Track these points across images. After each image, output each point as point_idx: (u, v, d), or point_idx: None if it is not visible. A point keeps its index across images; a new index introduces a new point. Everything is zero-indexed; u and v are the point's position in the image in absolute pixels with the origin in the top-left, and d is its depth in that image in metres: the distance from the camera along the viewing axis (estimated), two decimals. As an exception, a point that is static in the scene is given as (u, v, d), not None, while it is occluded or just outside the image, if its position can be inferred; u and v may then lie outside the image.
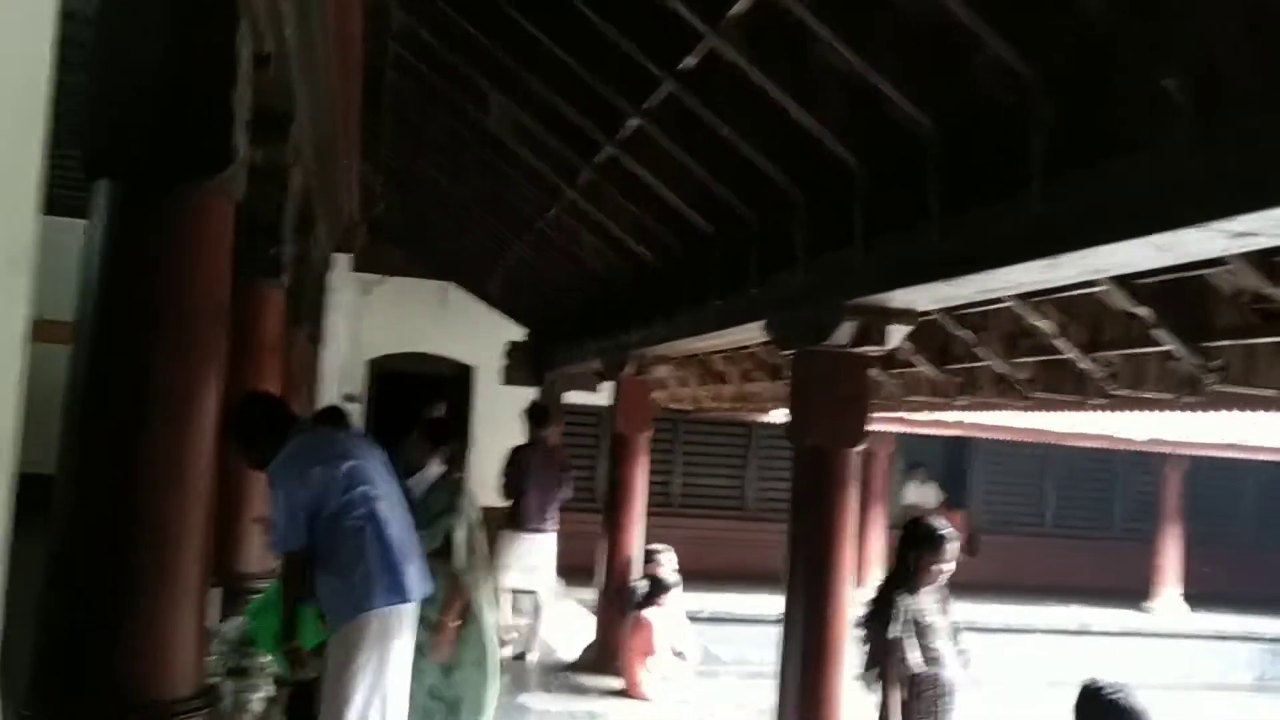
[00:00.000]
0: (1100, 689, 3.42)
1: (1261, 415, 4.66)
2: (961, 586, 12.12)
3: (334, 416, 5.68)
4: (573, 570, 11.34)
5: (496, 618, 4.75)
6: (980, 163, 3.53)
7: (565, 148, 6.42)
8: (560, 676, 8.29)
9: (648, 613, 7.73)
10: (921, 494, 14.09)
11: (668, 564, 8.37)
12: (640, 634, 7.68)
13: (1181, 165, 2.64)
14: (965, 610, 12.13)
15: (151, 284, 2.69)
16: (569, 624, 9.99)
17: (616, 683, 7.90)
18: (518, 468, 8.61)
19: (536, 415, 8.95)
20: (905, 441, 13.55)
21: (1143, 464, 13.24)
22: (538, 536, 8.53)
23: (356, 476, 3.87)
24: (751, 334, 5.89)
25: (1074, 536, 14.56)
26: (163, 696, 2.65)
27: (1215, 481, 13.53)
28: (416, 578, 3.94)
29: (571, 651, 8.84)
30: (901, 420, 10.93)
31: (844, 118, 4.23)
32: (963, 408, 6.20)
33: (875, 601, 4.98)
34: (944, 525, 4.87)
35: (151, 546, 2.66)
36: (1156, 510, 13.37)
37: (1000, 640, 12.40)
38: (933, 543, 4.74)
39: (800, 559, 4.94)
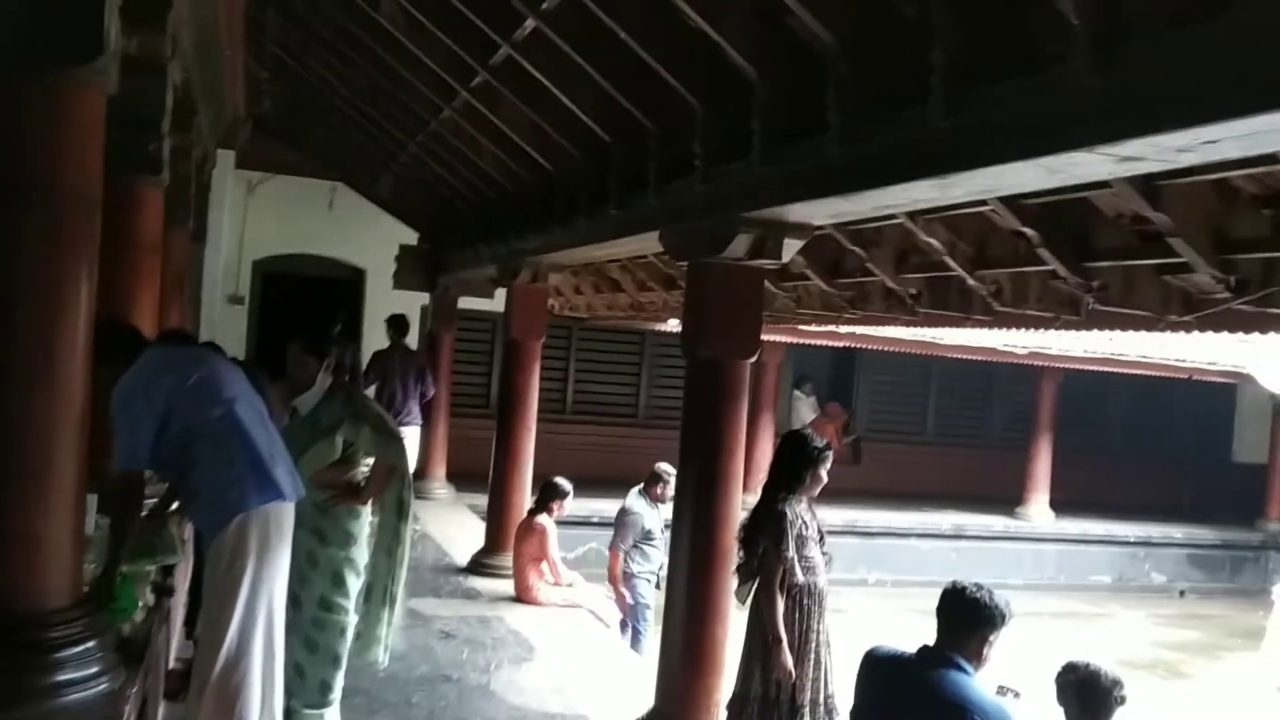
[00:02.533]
0: (963, 589, 3.56)
1: (1136, 335, 4.84)
2: (847, 493, 12.49)
3: (183, 336, 5.46)
4: (465, 476, 11.37)
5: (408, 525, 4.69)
6: (881, 78, 3.53)
7: (459, 46, 6.23)
8: (451, 581, 8.34)
9: (541, 518, 7.78)
10: (806, 406, 14.41)
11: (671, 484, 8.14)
12: (533, 539, 7.74)
13: (1075, 90, 2.67)
14: (850, 515, 12.54)
15: (19, 169, 2.59)
16: (461, 529, 10.03)
17: (508, 587, 7.97)
18: (378, 370, 9.88)
19: (397, 324, 10.43)
20: (794, 353, 13.78)
21: (1020, 376, 13.72)
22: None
23: (210, 382, 3.76)
24: (649, 244, 5.88)
25: (953, 445, 15.09)
26: (36, 608, 2.58)
27: (1086, 394, 14.11)
28: (288, 479, 3.85)
29: (463, 556, 8.89)
30: (792, 332, 11.12)
31: (746, 28, 4.17)
32: (853, 321, 6.31)
33: (760, 513, 5.08)
34: (821, 438, 4.97)
35: (19, 444, 2.56)
36: (1031, 421, 13.91)
37: (882, 543, 12.91)
38: (812, 455, 4.84)
39: (692, 468, 5.02)
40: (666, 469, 7.90)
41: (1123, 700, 3.77)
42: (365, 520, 4.70)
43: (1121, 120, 2.54)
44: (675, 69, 4.73)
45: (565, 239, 6.91)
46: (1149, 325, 4.04)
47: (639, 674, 6.17)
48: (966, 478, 14.58)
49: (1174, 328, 3.92)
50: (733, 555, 4.96)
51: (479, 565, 8.57)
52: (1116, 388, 14.11)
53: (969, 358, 12.19)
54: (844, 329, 9.99)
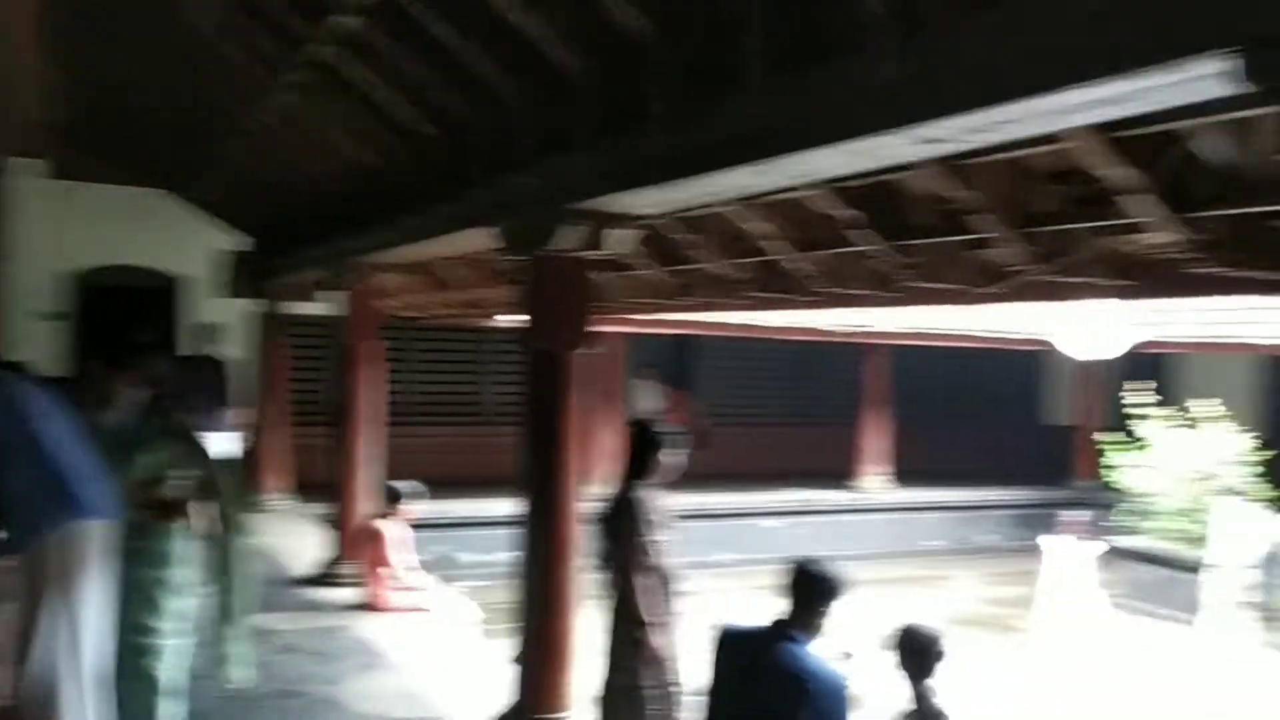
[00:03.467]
0: (805, 565, 3.73)
1: (949, 308, 5.07)
2: (693, 477, 12.67)
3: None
4: (309, 486, 11.08)
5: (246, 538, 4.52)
6: (699, 66, 3.60)
7: (272, 43, 6.05)
8: (295, 593, 8.12)
9: (380, 523, 7.65)
10: (651, 393, 14.56)
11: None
12: (375, 545, 7.61)
13: (878, 75, 2.79)
14: (697, 499, 12.72)
15: None
16: (305, 540, 9.77)
17: (355, 595, 7.82)
18: (186, 380, 9.66)
19: (203, 333, 11.14)
20: (636, 342, 13.91)
21: (851, 355, 14.20)
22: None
23: (9, 403, 3.57)
24: (480, 239, 5.83)
25: (792, 424, 15.53)
26: None
27: (912, 369, 14.71)
28: (99, 497, 3.67)
29: (306, 568, 8.66)
30: (631, 321, 11.23)
31: (564, 19, 4.19)
32: (685, 308, 6.42)
33: (619, 500, 5.13)
34: (672, 425, 5.07)
35: None
36: (862, 396, 14.43)
37: (730, 525, 13.17)
38: (665, 442, 4.92)
39: (533, 462, 5.02)
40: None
41: (940, 655, 3.97)
42: (182, 539, 4.51)
43: (922, 103, 2.66)
44: (495, 62, 4.72)
45: (394, 238, 6.80)
46: (960, 298, 4.24)
47: (494, 672, 6.15)
48: (806, 455, 15.03)
49: (982, 300, 4.14)
50: (579, 546, 5.00)
51: (324, 576, 8.37)
52: (938, 361, 14.73)
53: (801, 339, 12.55)
54: (680, 316, 10.20)
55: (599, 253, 4.77)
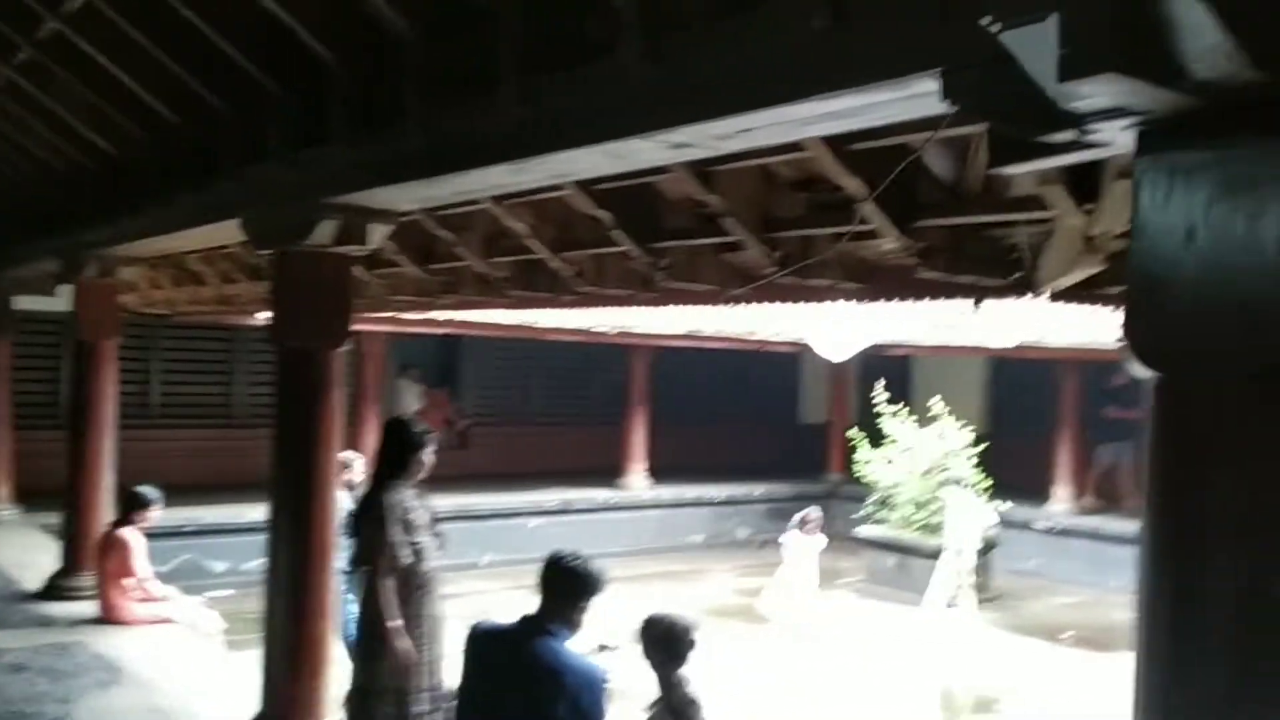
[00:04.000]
0: (560, 559, 3.76)
1: (705, 309, 5.26)
2: (457, 478, 12.52)
3: None
4: (36, 494, 10.27)
5: None
6: (458, 64, 3.59)
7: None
8: (22, 609, 7.53)
9: (124, 531, 7.20)
10: (412, 393, 14.34)
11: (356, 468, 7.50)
12: (116, 554, 7.15)
13: (631, 79, 2.87)
14: (460, 500, 12.59)
15: None
16: (32, 552, 9.07)
17: (91, 608, 7.32)
18: None
19: None
20: (398, 342, 13.65)
21: (616, 355, 14.44)
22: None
23: None
24: (227, 232, 5.59)
25: (558, 424, 15.64)
26: None
27: (675, 368, 15.11)
28: None
29: (36, 581, 8.04)
30: (393, 320, 11.01)
31: (318, 11, 4.09)
32: (448, 306, 6.37)
33: (366, 500, 5.04)
34: (423, 424, 5.03)
35: None
36: (627, 396, 14.70)
37: (493, 525, 13.11)
38: (415, 440, 4.89)
39: (285, 464, 4.86)
40: (351, 455, 7.61)
41: (693, 644, 4.10)
42: None
43: (671, 109, 2.76)
44: (246, 50, 4.54)
45: (135, 229, 6.42)
46: (711, 299, 4.41)
47: (241, 683, 5.90)
48: (571, 454, 15.18)
49: (732, 301, 4.32)
50: (334, 549, 4.89)
51: (55, 589, 7.79)
52: (701, 361, 15.20)
53: (566, 339, 12.66)
54: (444, 315, 10.09)
55: (359, 248, 4.67)
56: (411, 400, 14.43)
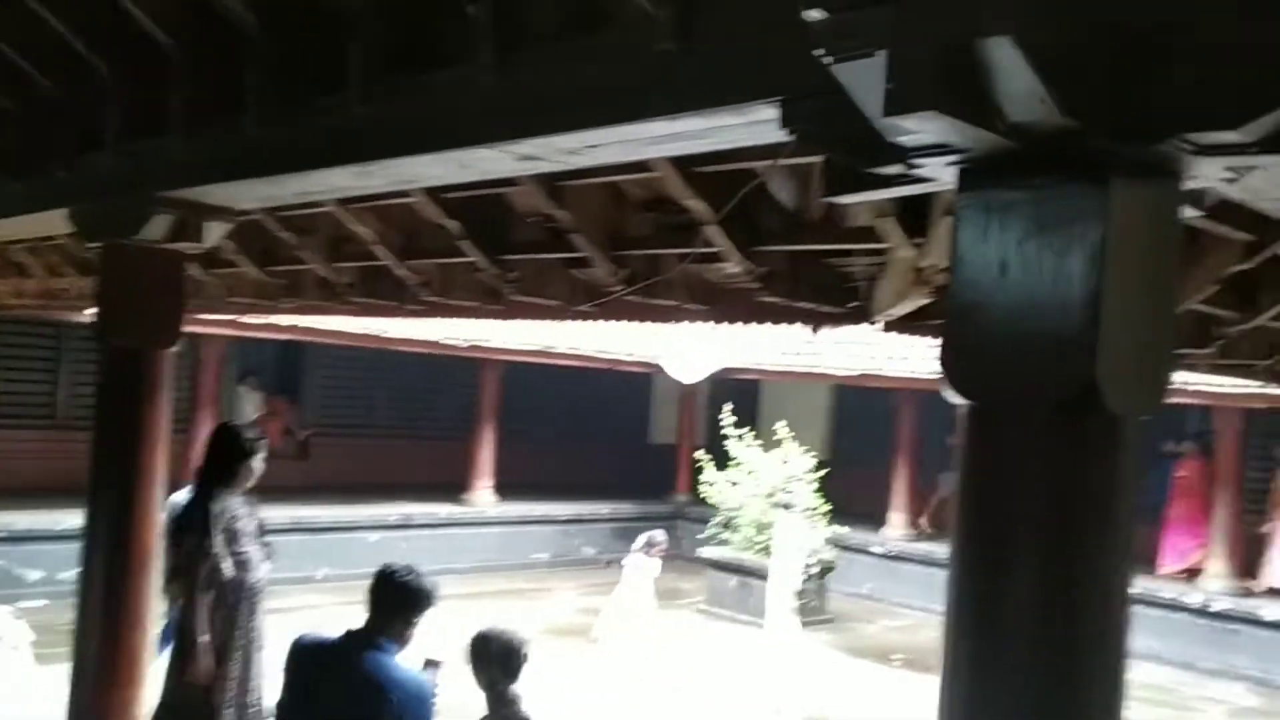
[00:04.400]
0: (392, 572, 3.69)
1: (555, 324, 5.26)
2: (296, 489, 12.19)
3: None
4: None
5: None
6: (304, 61, 3.49)
7: None
8: None
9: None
10: (252, 401, 13.90)
11: None
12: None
13: (480, 89, 2.85)
14: (297, 512, 12.25)
15: None
16: None
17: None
18: None
19: None
20: (238, 346, 13.21)
21: (466, 368, 14.29)
22: None
23: None
24: (56, 223, 5.31)
25: (404, 436, 15.36)
26: None
27: (526, 384, 15.03)
28: None
29: None
30: (234, 324, 10.62)
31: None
32: (289, 310, 6.19)
33: (189, 508, 4.85)
34: (254, 429, 4.88)
35: None
36: (476, 410, 14.54)
37: (331, 538, 12.77)
38: (245, 447, 4.73)
39: (106, 467, 4.63)
40: None
41: (526, 660, 4.06)
42: None
43: (519, 121, 2.75)
44: (81, 31, 4.33)
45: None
46: (559, 314, 4.41)
47: (49, 696, 5.57)
48: (417, 467, 14.93)
49: (579, 316, 4.32)
50: (154, 558, 4.67)
51: None
52: (553, 378, 15.16)
53: (416, 350, 12.46)
54: (287, 321, 9.79)
55: (193, 246, 4.50)
56: (251, 407, 13.97)
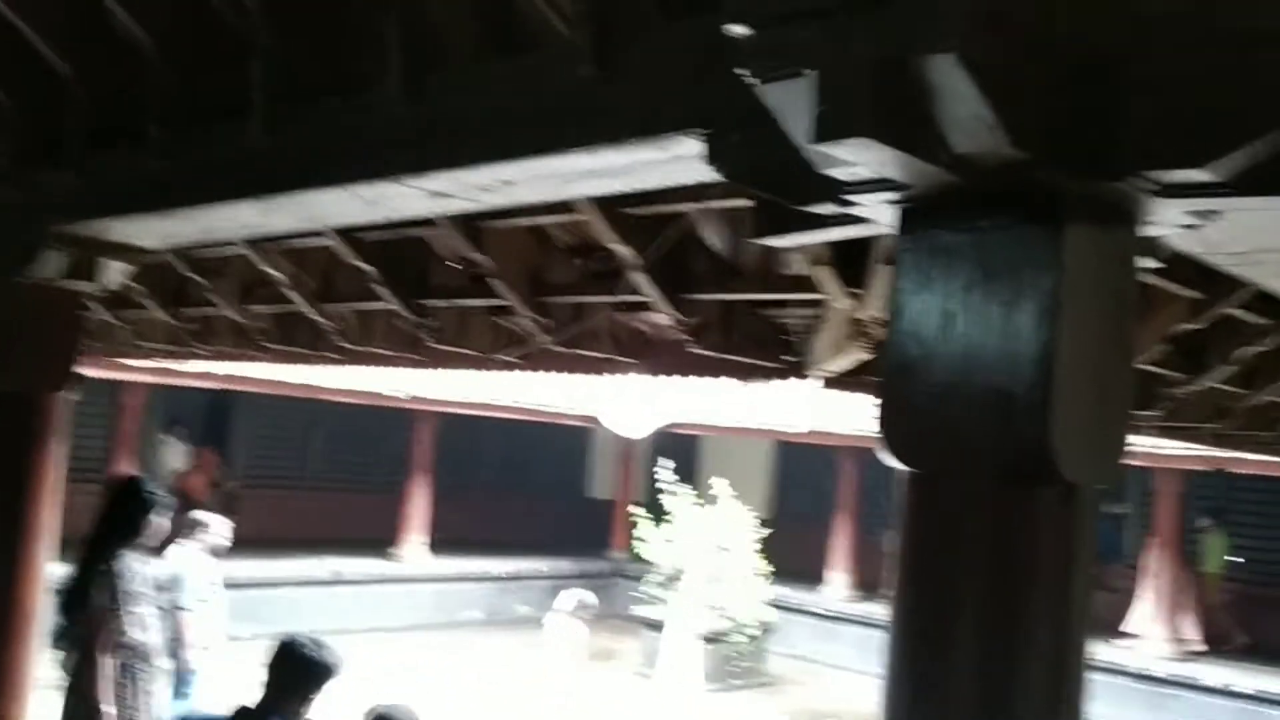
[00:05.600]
0: (291, 644, 3.39)
1: (483, 374, 5.00)
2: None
3: None
4: None
5: None
6: (206, 88, 3.27)
7: None
8: None
9: None
10: (177, 451, 13.43)
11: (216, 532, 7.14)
12: None
13: (389, 116, 2.64)
14: (223, 566, 11.77)
15: None
16: None
17: None
18: None
19: None
20: (163, 393, 12.76)
21: (401, 420, 13.94)
22: None
23: None
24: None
25: (336, 490, 14.93)
26: None
27: (462, 437, 14.69)
28: None
29: None
30: (157, 371, 10.22)
31: (59, 20, 3.69)
32: (203, 357, 5.89)
33: (89, 568, 4.52)
34: (158, 483, 4.58)
35: None
36: (409, 463, 14.16)
37: (257, 595, 12.27)
38: (146, 502, 4.43)
39: (-14, 521, 4.28)
40: (209, 516, 7.44)
41: None
42: None
43: (428, 151, 2.54)
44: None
45: None
46: (481, 364, 4.17)
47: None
48: (348, 522, 14.47)
49: (502, 366, 4.09)
50: (36, 622, 4.32)
51: None
52: (490, 431, 14.86)
53: (349, 400, 12.12)
54: (217, 369, 9.44)
55: (90, 284, 4.21)
56: (176, 458, 13.49)
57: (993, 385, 1.64)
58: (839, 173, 1.66)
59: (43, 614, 4.38)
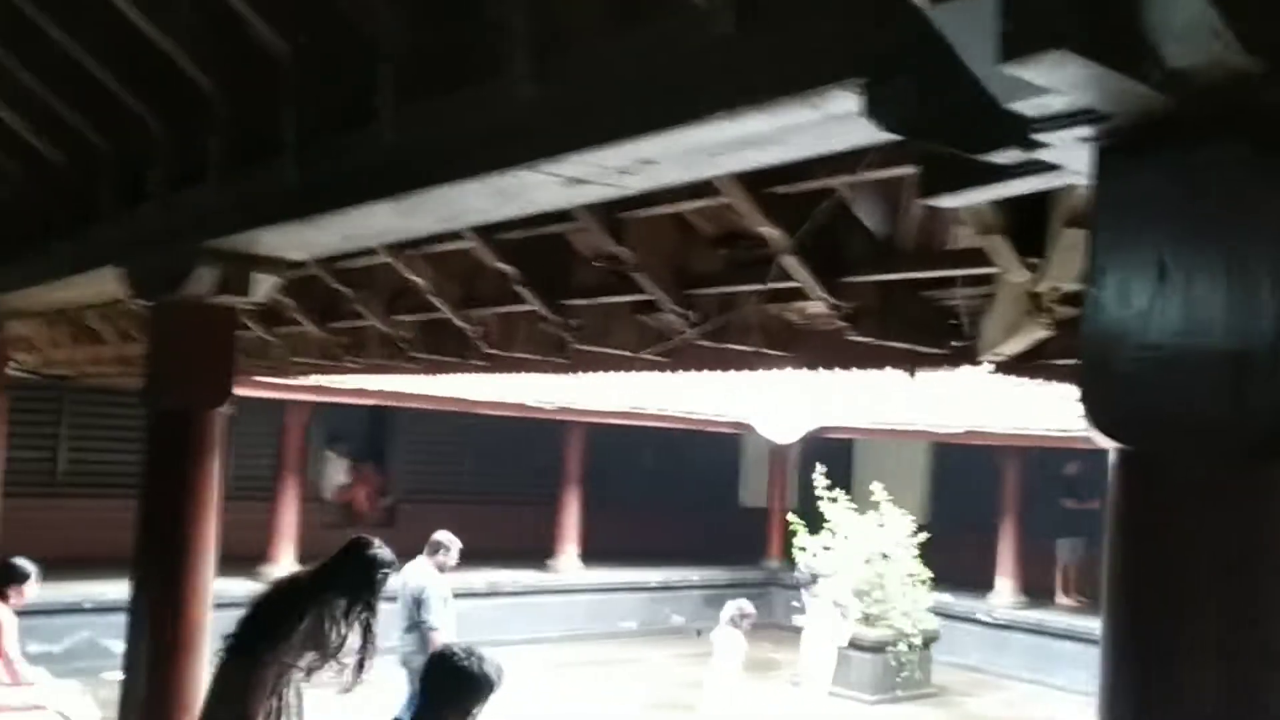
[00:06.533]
0: (451, 656, 3.29)
1: (627, 376, 4.87)
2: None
3: None
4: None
5: None
6: (338, 91, 3.23)
7: None
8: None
9: (-7, 609, 6.57)
10: (339, 468, 13.80)
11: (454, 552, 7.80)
12: (-20, 635, 6.52)
13: (518, 101, 2.52)
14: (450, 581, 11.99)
15: None
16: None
17: (-50, 694, 6.65)
18: None
19: None
20: (324, 411, 13.11)
21: (552, 431, 13.99)
22: None
23: None
24: (111, 283, 5.14)
25: (490, 502, 15.06)
26: None
27: (612, 447, 14.65)
28: None
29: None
30: (317, 389, 10.50)
31: (200, 36, 3.71)
32: (355, 370, 5.94)
33: (289, 599, 4.29)
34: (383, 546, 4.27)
35: None
36: (561, 474, 14.18)
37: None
38: (373, 562, 4.20)
39: (151, 538, 4.36)
40: (448, 537, 7.84)
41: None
42: None
43: (559, 133, 2.40)
44: (126, 80, 4.14)
45: (16, 279, 5.93)
46: (626, 364, 4.02)
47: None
48: (502, 533, 14.58)
49: (646, 366, 3.93)
50: (204, 635, 4.35)
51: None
52: (640, 440, 14.78)
53: (502, 414, 12.22)
54: (375, 384, 9.63)
55: (242, 300, 4.24)
56: (339, 474, 13.87)
57: (1221, 347, 1.39)
58: (1026, 106, 1.43)
59: (211, 628, 4.42)
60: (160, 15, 3.64)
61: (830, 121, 1.96)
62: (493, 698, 3.36)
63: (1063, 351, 2.76)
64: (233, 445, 13.52)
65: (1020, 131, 1.51)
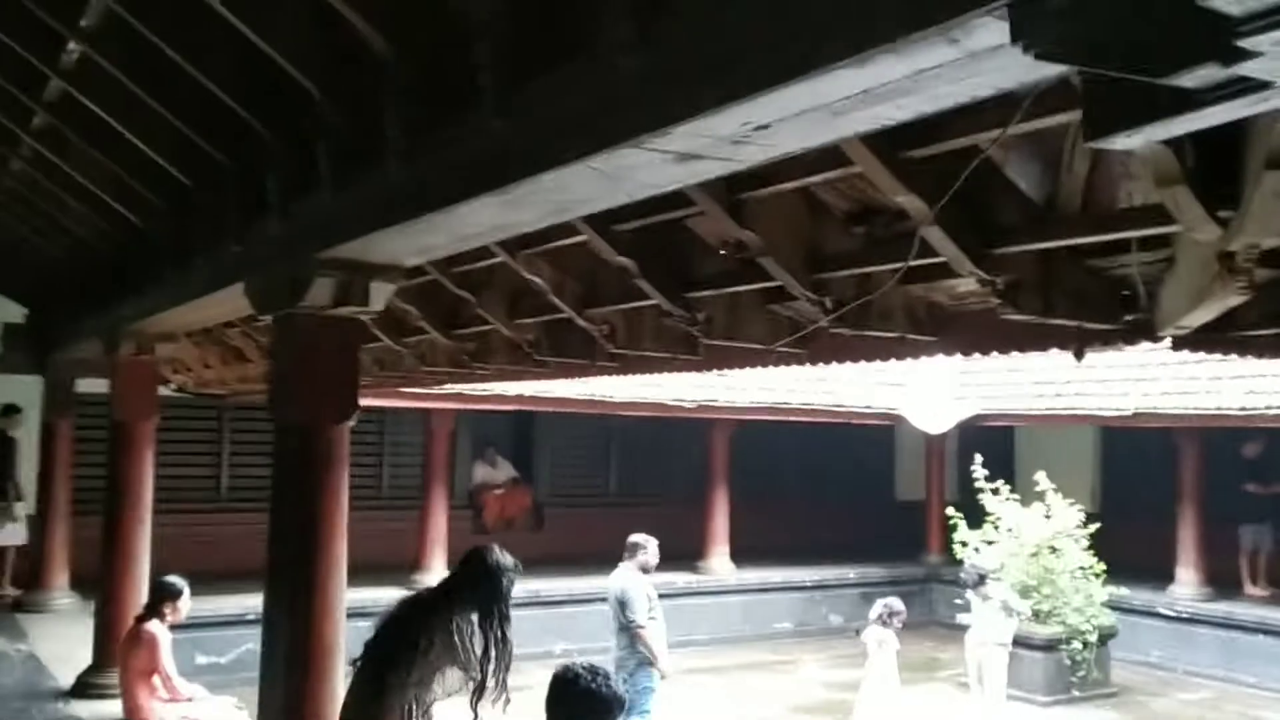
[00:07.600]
0: (575, 677, 3.07)
1: (762, 371, 4.60)
2: (529, 561, 11.93)
3: None
4: (88, 581, 9.95)
5: None
6: (440, 83, 3.06)
7: (7, 81, 5.29)
8: (49, 708, 7.09)
9: (151, 625, 6.71)
10: (491, 473, 13.88)
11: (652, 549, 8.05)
12: (142, 650, 6.65)
13: (620, 73, 2.28)
14: (532, 585, 11.99)
15: None
16: (74, 644, 8.66)
17: (116, 708, 6.83)
18: None
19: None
20: (469, 420, 13.21)
21: (695, 430, 13.76)
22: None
23: None
24: (241, 299, 5.14)
25: (636, 504, 14.92)
26: None
27: (758, 444, 14.33)
28: None
29: (69, 676, 7.61)
30: (460, 396, 10.56)
31: (303, 40, 3.61)
32: (486, 378, 5.82)
33: (417, 614, 4.16)
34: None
35: None
36: (707, 474, 13.93)
37: (567, 611, 12.43)
38: (497, 569, 4.08)
39: (283, 551, 4.30)
40: (644, 537, 8.05)
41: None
42: None
43: (665, 103, 2.15)
44: (238, 92, 4.09)
45: (161, 301, 6.03)
46: (759, 359, 3.75)
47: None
48: (650, 535, 14.42)
49: (784, 359, 3.65)
50: (338, 647, 4.26)
51: (85, 686, 7.34)
52: (786, 436, 14.42)
53: (641, 414, 12.06)
54: (514, 389, 9.60)
55: (362, 310, 4.14)
56: (485, 480, 13.95)
57: None
58: (1228, 1, 1.11)
59: (344, 644, 4.34)
60: (268, 26, 3.55)
61: (972, 60, 1.66)
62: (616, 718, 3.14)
63: (1262, 320, 2.36)
64: (384, 456, 13.80)
65: (1219, 38, 1.19)
